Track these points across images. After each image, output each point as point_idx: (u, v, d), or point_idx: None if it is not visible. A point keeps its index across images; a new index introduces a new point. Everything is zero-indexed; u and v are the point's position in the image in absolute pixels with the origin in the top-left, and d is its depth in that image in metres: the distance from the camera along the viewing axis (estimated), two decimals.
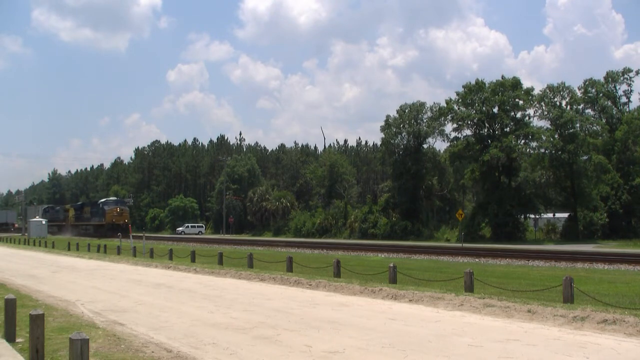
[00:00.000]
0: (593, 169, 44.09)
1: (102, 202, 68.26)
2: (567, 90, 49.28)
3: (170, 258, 23.94)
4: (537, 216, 48.22)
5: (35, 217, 77.01)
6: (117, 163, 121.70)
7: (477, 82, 49.70)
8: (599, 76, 54.35)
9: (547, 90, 48.79)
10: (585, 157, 45.05)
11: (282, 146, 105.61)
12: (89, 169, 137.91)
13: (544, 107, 48.34)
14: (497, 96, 47.44)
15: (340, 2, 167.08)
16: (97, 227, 65.42)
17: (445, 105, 52.09)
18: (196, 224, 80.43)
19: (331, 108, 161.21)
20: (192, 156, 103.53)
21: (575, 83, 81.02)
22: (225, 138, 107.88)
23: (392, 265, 14.25)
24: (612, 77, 51.44)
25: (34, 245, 44.22)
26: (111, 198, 75.51)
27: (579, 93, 50.85)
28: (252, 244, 36.18)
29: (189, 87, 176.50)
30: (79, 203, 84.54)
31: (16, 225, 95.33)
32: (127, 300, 12.79)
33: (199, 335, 8.60)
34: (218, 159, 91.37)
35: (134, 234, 39.07)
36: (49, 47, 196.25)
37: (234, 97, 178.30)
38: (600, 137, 47.51)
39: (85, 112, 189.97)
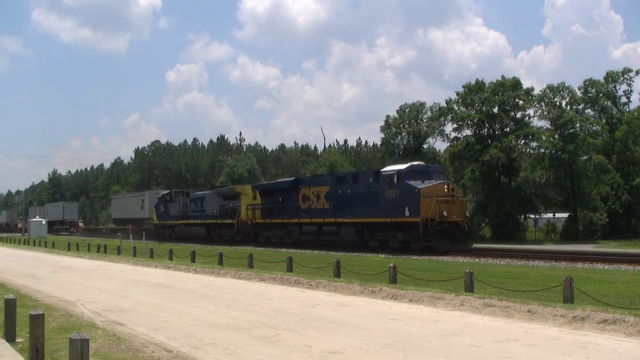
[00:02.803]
0: (593, 169, 44.08)
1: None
2: (567, 91, 49.23)
3: (170, 258, 23.94)
4: (537, 216, 48.24)
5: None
6: (117, 163, 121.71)
7: (477, 82, 49.69)
8: (598, 76, 54.50)
9: (547, 90, 48.77)
10: (585, 157, 45.04)
11: (282, 146, 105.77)
12: (89, 169, 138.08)
13: (544, 107, 48.33)
14: (497, 96, 47.40)
15: (339, 2, 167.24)
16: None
17: (445, 105, 52.06)
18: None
19: (330, 108, 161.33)
20: (192, 156, 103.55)
21: (575, 83, 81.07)
22: (225, 138, 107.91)
23: (392, 265, 14.25)
24: (612, 77, 51.41)
25: (34, 245, 44.23)
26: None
27: (579, 93, 50.82)
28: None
29: (188, 88, 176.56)
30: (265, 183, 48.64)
31: (80, 224, 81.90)
32: (127, 300, 12.79)
33: (199, 335, 8.60)
34: (218, 159, 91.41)
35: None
36: (49, 48, 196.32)
37: (233, 97, 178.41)
38: (600, 137, 47.45)
39: (85, 112, 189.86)
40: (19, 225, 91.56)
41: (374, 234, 27.60)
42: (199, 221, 42.54)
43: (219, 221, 40.17)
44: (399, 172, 26.32)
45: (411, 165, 27.17)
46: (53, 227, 74.81)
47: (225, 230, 39.75)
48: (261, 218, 36.21)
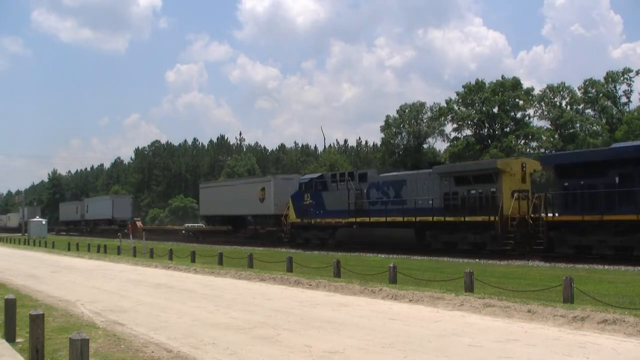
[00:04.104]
0: None
1: None
2: (567, 91, 49.37)
3: (170, 258, 23.95)
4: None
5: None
6: (117, 163, 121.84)
7: (477, 82, 49.75)
8: (598, 76, 54.54)
9: (547, 91, 48.89)
10: None
11: (282, 146, 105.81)
12: (89, 169, 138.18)
13: (544, 107, 48.45)
14: (497, 96, 47.49)
15: (339, 2, 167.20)
16: None
17: (445, 105, 52.16)
18: (196, 224, 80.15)
19: (330, 108, 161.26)
20: (192, 156, 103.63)
21: (574, 83, 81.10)
22: (225, 138, 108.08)
23: (392, 265, 14.25)
24: (612, 77, 51.50)
25: (34, 245, 44.23)
26: None
27: (579, 93, 50.92)
28: (252, 244, 36.18)
29: (188, 87, 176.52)
30: None
31: (139, 224, 62.21)
32: (127, 300, 12.79)
33: (199, 335, 8.60)
34: (218, 159, 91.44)
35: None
36: (49, 48, 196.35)
37: (233, 97, 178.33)
38: (600, 137, 47.52)
39: (85, 112, 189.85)
40: (140, 225, 76.72)
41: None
42: (398, 218, 26.14)
43: (447, 218, 24.05)
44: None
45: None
46: (96, 226, 63.04)
47: (463, 234, 23.78)
48: (566, 212, 20.52)
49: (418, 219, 25.15)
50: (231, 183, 46.99)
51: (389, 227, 26.58)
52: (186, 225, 66.59)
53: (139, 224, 61.53)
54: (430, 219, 24.55)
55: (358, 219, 28.38)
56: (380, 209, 27.12)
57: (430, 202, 24.61)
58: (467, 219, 23.07)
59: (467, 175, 23.99)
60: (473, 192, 23.40)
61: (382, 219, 26.84)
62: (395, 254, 24.62)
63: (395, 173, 28.75)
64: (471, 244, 23.37)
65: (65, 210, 77.70)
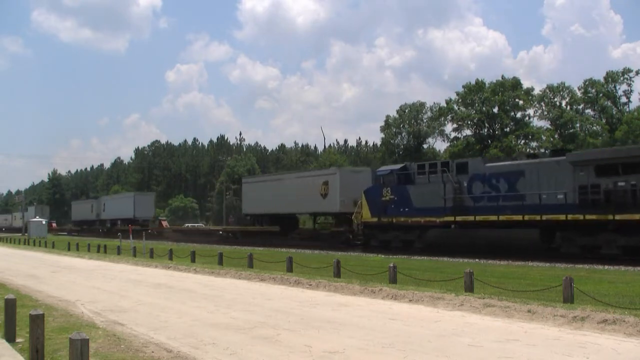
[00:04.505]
0: None
1: None
2: (567, 91, 49.38)
3: (170, 258, 23.95)
4: None
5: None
6: (117, 163, 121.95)
7: (477, 82, 49.76)
8: (598, 76, 54.51)
9: (547, 91, 48.90)
10: None
11: (282, 146, 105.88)
12: (89, 169, 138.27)
13: (544, 107, 48.46)
14: (497, 96, 47.50)
15: (339, 2, 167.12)
16: None
17: (445, 105, 52.17)
18: (196, 224, 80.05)
19: (330, 108, 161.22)
20: (192, 156, 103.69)
21: (574, 83, 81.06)
22: (225, 138, 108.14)
23: (392, 265, 14.25)
24: (612, 77, 51.49)
25: (34, 245, 44.22)
26: None
27: (578, 93, 50.94)
28: (252, 244, 36.19)
29: (188, 88, 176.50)
30: None
31: (165, 223, 59.21)
32: (127, 300, 12.79)
33: (199, 335, 8.60)
34: (218, 159, 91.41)
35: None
36: (49, 48, 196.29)
37: (233, 98, 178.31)
38: (600, 137, 47.51)
39: (85, 112, 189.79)
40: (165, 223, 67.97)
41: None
42: (516, 217, 21.91)
43: (588, 217, 19.91)
44: None
45: None
46: (114, 227, 57.67)
47: (610, 236, 19.53)
48: None
49: (544, 217, 20.88)
50: (281, 177, 41.18)
51: (502, 228, 22.30)
52: (186, 225, 64.65)
53: (164, 223, 57.99)
54: (563, 217, 20.37)
55: (458, 218, 23.88)
56: (489, 206, 22.73)
57: (562, 196, 20.65)
58: (617, 217, 19.04)
59: (614, 163, 19.76)
60: (622, 184, 19.26)
61: (493, 218, 22.47)
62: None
63: (507, 162, 23.91)
64: (621, 248, 19.29)
65: (78, 209, 72.92)
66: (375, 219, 27.39)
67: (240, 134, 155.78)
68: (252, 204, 40.63)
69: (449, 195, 24.24)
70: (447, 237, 24.63)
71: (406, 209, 25.93)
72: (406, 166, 27.52)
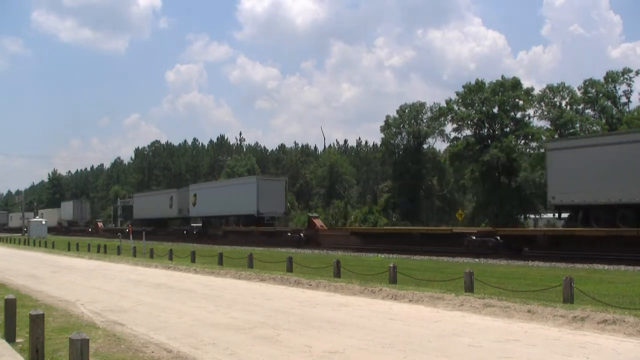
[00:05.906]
0: None
1: None
2: (567, 91, 49.36)
3: (170, 258, 23.95)
4: (537, 216, 48.30)
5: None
6: (117, 163, 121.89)
7: (477, 82, 49.75)
8: (597, 76, 54.49)
9: (547, 91, 48.89)
10: None
11: (282, 146, 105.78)
12: (89, 169, 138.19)
13: (543, 107, 48.46)
14: (497, 96, 47.50)
15: (339, 2, 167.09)
16: None
17: (445, 105, 52.17)
18: (196, 224, 79.56)
19: (330, 108, 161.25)
20: (192, 156, 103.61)
21: (574, 83, 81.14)
22: (225, 138, 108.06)
23: (392, 265, 14.25)
24: (611, 77, 51.47)
25: (34, 245, 44.22)
26: None
27: (578, 93, 50.91)
28: (252, 244, 36.17)
29: (188, 88, 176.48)
30: None
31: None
32: (127, 300, 12.79)
33: (199, 335, 8.60)
34: (218, 159, 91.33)
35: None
36: (49, 48, 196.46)
37: (233, 98, 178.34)
38: None
39: (85, 112, 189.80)
40: (100, 225, 63.44)
41: None
42: None
43: None
44: None
45: None
46: (211, 226, 45.30)
47: None
48: None
49: None
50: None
51: None
52: (192, 225, 62.56)
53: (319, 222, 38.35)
54: None
55: None
56: None
57: None
58: None
59: None
60: None
61: None
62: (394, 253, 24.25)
63: None
64: None
65: (142, 204, 57.42)
66: None
67: (240, 134, 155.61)
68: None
69: None
70: None
71: None
72: None
